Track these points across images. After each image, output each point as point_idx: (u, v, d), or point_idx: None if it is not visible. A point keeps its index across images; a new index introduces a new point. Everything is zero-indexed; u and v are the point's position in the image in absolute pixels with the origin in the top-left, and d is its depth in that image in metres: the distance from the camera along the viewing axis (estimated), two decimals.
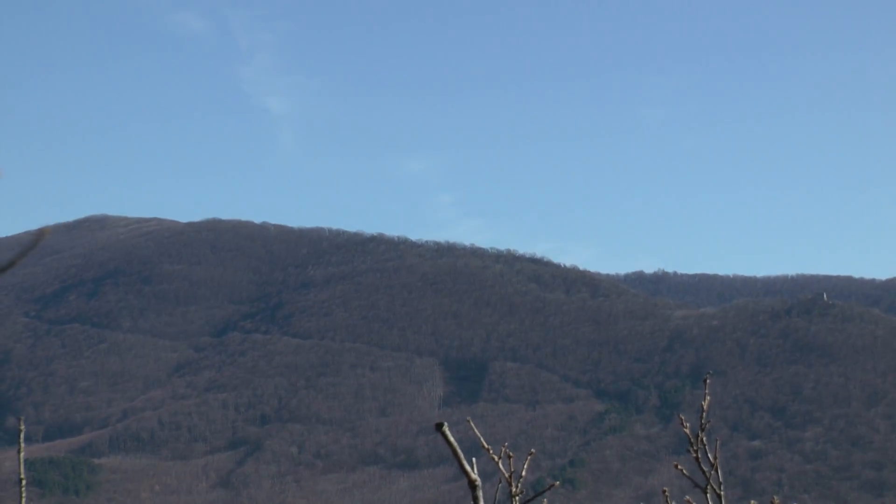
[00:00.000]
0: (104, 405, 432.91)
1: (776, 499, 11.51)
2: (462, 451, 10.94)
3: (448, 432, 10.77)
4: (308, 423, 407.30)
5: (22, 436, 13.84)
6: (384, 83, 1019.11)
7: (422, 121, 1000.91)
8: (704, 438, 12.22)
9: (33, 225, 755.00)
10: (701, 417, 12.48)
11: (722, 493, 12.24)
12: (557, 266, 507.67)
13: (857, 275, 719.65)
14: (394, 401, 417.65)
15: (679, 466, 12.85)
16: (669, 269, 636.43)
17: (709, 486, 12.34)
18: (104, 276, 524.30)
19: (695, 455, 12.38)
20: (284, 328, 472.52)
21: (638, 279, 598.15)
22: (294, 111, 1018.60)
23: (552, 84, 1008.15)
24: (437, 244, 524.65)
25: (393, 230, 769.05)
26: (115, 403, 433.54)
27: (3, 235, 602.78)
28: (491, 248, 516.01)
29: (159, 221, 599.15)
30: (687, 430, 12.56)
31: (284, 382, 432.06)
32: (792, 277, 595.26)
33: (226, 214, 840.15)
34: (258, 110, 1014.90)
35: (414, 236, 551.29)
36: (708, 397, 12.30)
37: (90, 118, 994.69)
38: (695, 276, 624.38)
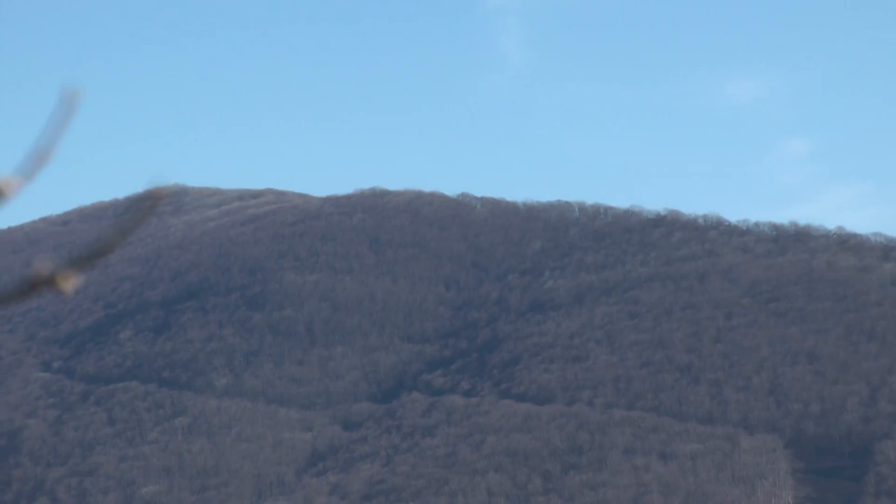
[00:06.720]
0: None
1: None
2: None
3: None
4: None
5: None
6: None
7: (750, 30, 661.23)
8: None
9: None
10: None
11: None
12: None
13: None
14: None
15: None
16: None
17: None
18: None
19: None
20: None
21: None
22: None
23: None
24: (777, 228, 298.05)
25: (697, 206, 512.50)
26: None
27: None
28: (874, 236, 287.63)
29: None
30: None
31: None
32: None
33: None
34: None
35: (734, 215, 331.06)
36: None
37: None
38: None
